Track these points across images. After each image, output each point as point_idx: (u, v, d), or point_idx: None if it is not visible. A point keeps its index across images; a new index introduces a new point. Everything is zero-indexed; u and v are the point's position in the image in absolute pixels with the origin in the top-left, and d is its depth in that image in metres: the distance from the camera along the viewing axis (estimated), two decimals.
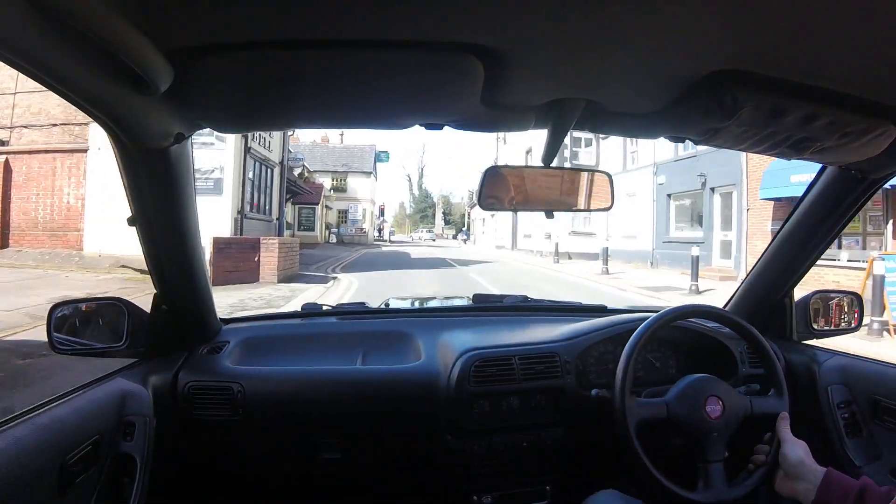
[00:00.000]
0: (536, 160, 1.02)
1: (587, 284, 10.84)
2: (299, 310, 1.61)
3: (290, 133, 17.41)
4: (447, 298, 3.02)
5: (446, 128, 0.89)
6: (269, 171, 14.31)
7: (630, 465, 0.99)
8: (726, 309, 1.41)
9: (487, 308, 1.67)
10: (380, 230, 43.14)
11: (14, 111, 11.77)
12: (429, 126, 0.88)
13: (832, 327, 1.39)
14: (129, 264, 9.52)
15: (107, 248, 10.48)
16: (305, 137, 34.12)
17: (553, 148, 0.92)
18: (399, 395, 1.22)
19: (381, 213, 42.22)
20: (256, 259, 9.41)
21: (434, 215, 63.88)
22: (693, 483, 0.99)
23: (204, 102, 0.77)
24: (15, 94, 11.43)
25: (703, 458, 0.99)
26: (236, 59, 0.65)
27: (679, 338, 1.32)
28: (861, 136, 0.80)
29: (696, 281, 9.02)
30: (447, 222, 62.53)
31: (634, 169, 16.11)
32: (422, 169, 67.83)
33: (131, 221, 0.99)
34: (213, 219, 10.05)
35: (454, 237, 47.78)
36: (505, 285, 9.96)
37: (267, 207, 14.24)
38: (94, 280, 8.88)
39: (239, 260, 9.30)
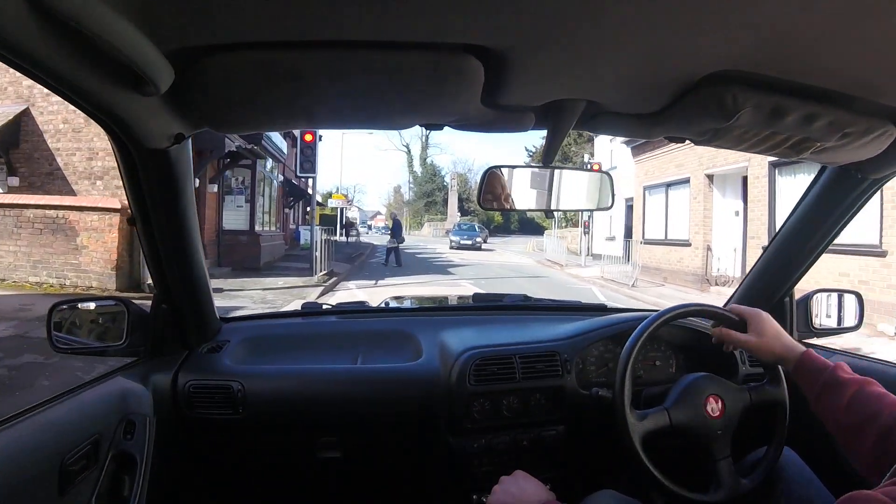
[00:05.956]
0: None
1: None
2: (299, 309, 1.61)
3: None
4: (447, 298, 3.03)
5: (446, 127, 0.89)
6: None
7: (645, 481, 0.98)
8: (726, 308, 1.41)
9: (487, 307, 1.67)
10: (345, 225, 19.85)
11: None
12: (429, 126, 0.89)
13: (833, 326, 1.39)
14: None
15: None
16: None
17: (553, 148, 0.92)
18: (399, 394, 1.22)
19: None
20: None
21: (447, 201, 40.71)
22: (703, 480, 0.98)
23: (204, 103, 0.77)
24: None
25: (710, 458, 0.99)
26: (236, 60, 0.65)
27: (679, 337, 1.32)
28: (861, 136, 0.80)
29: None
30: (465, 212, 37.69)
31: None
32: (426, 137, 40.59)
33: (131, 221, 1.00)
34: None
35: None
36: None
37: None
38: None
39: None
